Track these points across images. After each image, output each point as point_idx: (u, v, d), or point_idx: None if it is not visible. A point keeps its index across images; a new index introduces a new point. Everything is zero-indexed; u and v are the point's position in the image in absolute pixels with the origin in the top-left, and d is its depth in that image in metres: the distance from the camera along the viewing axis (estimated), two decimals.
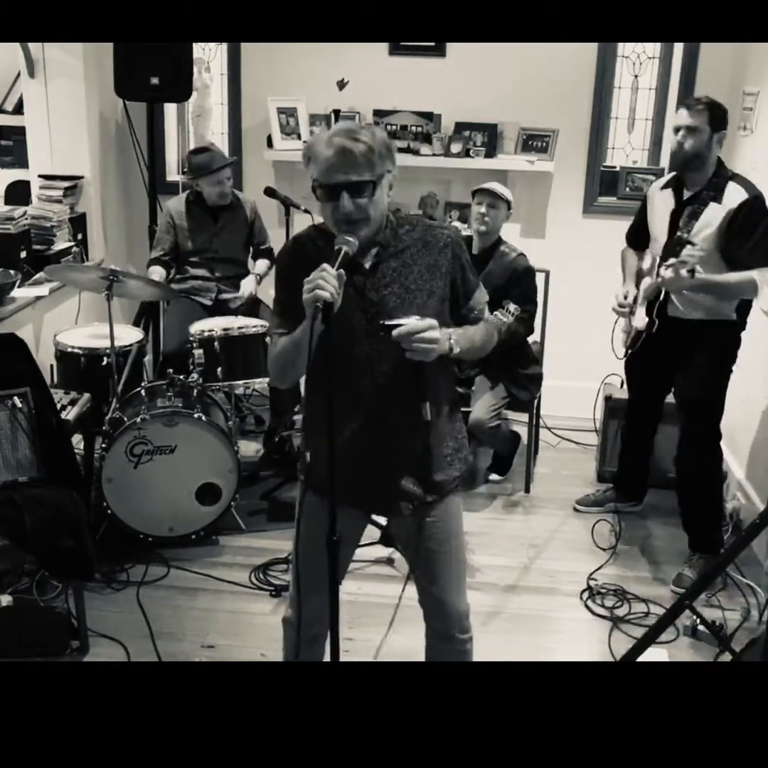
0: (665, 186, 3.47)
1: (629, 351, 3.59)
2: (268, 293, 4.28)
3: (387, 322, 1.96)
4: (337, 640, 1.96)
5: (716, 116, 3.21)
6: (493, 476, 4.35)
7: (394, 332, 1.93)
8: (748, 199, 3.16)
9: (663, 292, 3.35)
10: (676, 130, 3.26)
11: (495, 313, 3.57)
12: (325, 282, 1.84)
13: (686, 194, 3.33)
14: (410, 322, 1.94)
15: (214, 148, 4.32)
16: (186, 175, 4.40)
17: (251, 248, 4.49)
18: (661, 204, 3.45)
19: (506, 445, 4.32)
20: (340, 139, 1.92)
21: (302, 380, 2.25)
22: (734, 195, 3.18)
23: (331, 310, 1.85)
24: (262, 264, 4.46)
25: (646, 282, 3.46)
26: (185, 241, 4.31)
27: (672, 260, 3.11)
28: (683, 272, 3.07)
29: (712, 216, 3.21)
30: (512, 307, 3.69)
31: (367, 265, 2.05)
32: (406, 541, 2.28)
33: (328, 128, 4.72)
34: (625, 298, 3.53)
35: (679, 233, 3.28)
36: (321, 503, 2.07)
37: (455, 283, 2.11)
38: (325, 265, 1.88)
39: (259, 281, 4.37)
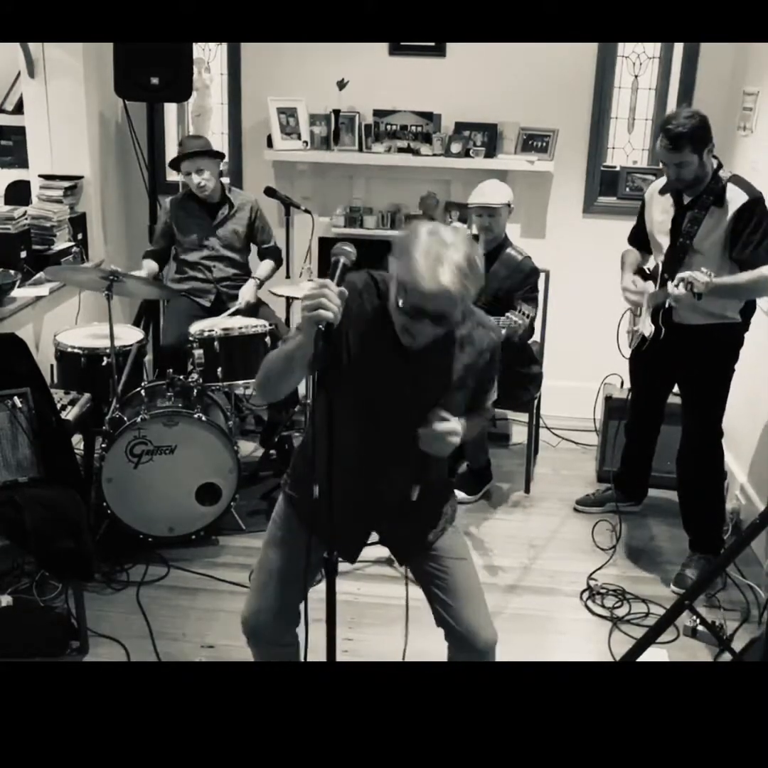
0: (663, 190, 3.42)
1: (639, 349, 3.57)
2: (269, 293, 4.29)
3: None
4: (333, 644, 1.95)
5: (698, 139, 3.09)
6: (462, 495, 3.98)
7: (421, 430, 1.98)
8: (748, 201, 3.14)
9: (668, 301, 3.33)
10: (664, 164, 3.18)
11: (507, 315, 3.56)
12: (329, 301, 1.78)
13: (686, 199, 3.30)
14: (437, 423, 1.98)
15: (200, 140, 4.26)
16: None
17: (255, 247, 4.45)
18: (660, 209, 3.42)
19: (481, 455, 4.17)
20: (449, 277, 1.79)
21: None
22: (735, 198, 3.16)
23: (331, 330, 1.79)
24: (266, 265, 4.36)
25: (650, 288, 3.44)
26: (181, 236, 4.30)
27: (683, 275, 3.05)
28: (678, 291, 3.08)
29: (715, 221, 3.19)
30: (526, 308, 3.65)
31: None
32: (411, 568, 2.32)
33: (328, 128, 4.81)
34: (634, 284, 3.47)
35: (681, 240, 3.27)
36: (294, 519, 2.21)
37: (482, 383, 2.15)
38: (327, 281, 1.82)
39: (259, 285, 4.26)
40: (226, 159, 4.72)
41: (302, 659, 2.03)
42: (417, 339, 1.94)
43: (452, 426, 1.98)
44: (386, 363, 2.01)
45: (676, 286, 3.07)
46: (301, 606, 2.12)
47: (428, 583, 2.26)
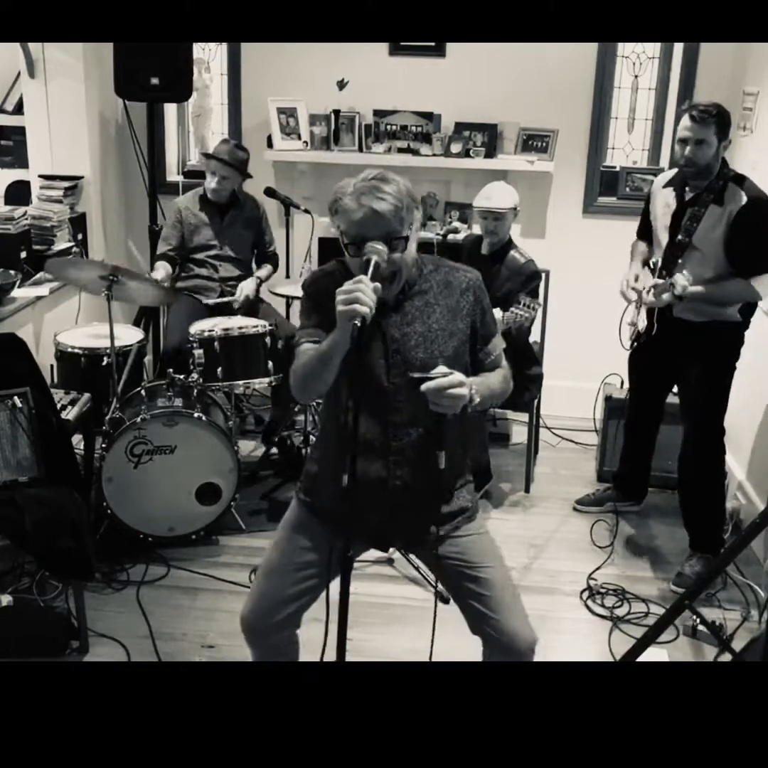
0: (668, 184, 3.43)
1: (634, 344, 3.58)
2: (269, 292, 4.30)
3: (415, 376, 1.95)
4: (344, 642, 1.94)
5: (723, 125, 3.15)
6: None
7: (423, 387, 1.91)
8: (747, 203, 3.14)
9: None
10: (683, 140, 3.17)
11: (511, 309, 3.57)
12: (364, 295, 1.81)
13: (688, 195, 3.31)
14: (438, 377, 1.92)
15: (228, 145, 4.29)
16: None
17: (256, 251, 4.47)
18: (663, 203, 3.43)
19: (481, 455, 4.13)
20: (367, 199, 1.93)
21: None
22: (735, 198, 3.16)
23: (365, 325, 1.81)
24: (265, 269, 4.43)
25: (647, 283, 3.43)
26: (190, 236, 4.31)
27: (655, 282, 3.24)
28: (666, 297, 3.22)
29: (714, 220, 3.19)
30: (528, 299, 3.63)
31: (391, 302, 2.04)
32: (440, 576, 2.26)
33: (328, 129, 4.80)
34: (636, 279, 3.45)
35: (681, 236, 3.28)
36: (316, 524, 2.15)
37: (475, 325, 2.12)
38: (362, 277, 1.85)
39: (259, 284, 4.32)
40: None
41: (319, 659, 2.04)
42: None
43: (456, 378, 1.92)
44: (370, 326, 1.95)
45: (649, 293, 3.22)
46: (296, 608, 2.18)
47: (465, 597, 2.18)
